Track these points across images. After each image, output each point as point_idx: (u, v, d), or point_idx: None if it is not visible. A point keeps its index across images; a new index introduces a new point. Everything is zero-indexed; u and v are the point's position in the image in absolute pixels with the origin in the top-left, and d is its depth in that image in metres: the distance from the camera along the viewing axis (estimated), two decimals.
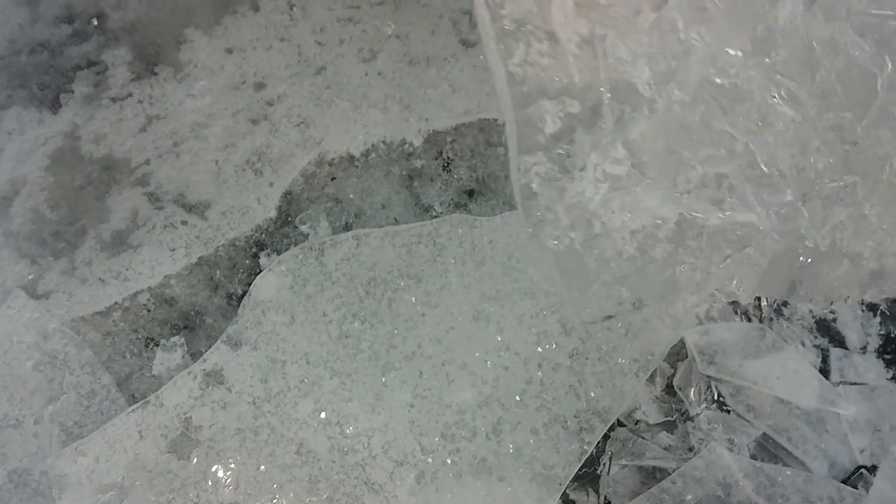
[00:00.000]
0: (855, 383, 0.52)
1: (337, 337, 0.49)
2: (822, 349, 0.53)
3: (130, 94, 0.56)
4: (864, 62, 0.46)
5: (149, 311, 0.49)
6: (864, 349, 0.54)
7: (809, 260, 0.51)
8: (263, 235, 0.53)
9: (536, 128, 0.47)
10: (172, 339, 0.49)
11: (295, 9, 0.59)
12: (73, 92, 0.55)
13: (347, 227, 0.52)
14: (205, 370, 0.47)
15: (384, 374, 0.48)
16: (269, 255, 0.53)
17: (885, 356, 0.53)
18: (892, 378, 0.53)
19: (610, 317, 0.50)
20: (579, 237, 0.49)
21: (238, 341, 0.48)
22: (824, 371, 0.52)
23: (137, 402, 0.47)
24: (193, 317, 0.50)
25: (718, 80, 0.45)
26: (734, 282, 0.50)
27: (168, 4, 0.60)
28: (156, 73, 0.57)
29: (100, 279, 0.50)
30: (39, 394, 0.46)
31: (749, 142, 0.47)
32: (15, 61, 0.56)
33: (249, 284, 0.51)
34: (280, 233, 0.53)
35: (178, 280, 0.51)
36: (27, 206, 0.51)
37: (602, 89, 0.46)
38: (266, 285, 0.50)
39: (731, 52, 0.45)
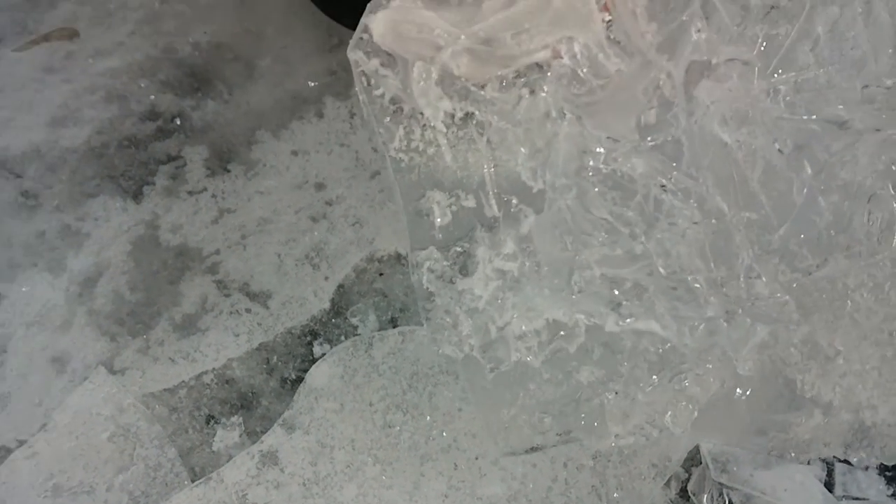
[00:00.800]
0: (857, 498, 0.55)
1: (381, 426, 0.54)
2: (827, 463, 0.56)
3: (205, 189, 0.62)
4: (781, 166, 0.44)
5: (211, 390, 0.54)
6: (866, 466, 0.57)
7: (748, 392, 0.50)
8: (317, 325, 0.58)
9: (427, 221, 0.45)
10: (232, 419, 0.54)
11: (355, 117, 0.65)
12: (154, 184, 0.61)
13: (393, 321, 0.57)
14: (262, 451, 0.52)
15: (422, 463, 0.53)
16: (321, 343, 0.58)
17: (886, 474, 0.57)
18: (892, 495, 0.56)
19: (535, 449, 0.49)
20: (477, 343, 0.47)
21: (292, 425, 0.53)
22: (829, 484, 0.56)
23: (198, 475, 0.51)
24: (250, 398, 0.55)
25: (604, 170, 0.42)
26: (667, 415, 0.49)
27: (242, 107, 0.67)
28: (229, 171, 0.63)
29: (170, 358, 0.55)
30: (112, 463, 0.51)
31: (645, 243, 0.44)
32: (105, 153, 0.62)
33: (303, 371, 0.56)
34: (332, 323, 0.58)
35: (238, 363, 0.56)
36: (109, 288, 0.57)
37: (487, 179, 0.43)
38: (320, 374, 0.55)
39: (614, 140, 0.42)
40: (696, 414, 0.49)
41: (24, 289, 0.58)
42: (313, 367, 0.56)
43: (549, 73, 0.40)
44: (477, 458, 0.53)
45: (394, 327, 0.58)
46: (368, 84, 0.39)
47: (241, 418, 0.55)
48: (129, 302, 0.58)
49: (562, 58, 0.38)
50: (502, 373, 0.48)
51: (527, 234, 0.43)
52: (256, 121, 0.69)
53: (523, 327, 0.46)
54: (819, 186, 0.44)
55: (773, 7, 0.44)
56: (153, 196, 0.63)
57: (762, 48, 0.43)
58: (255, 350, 0.58)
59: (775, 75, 0.43)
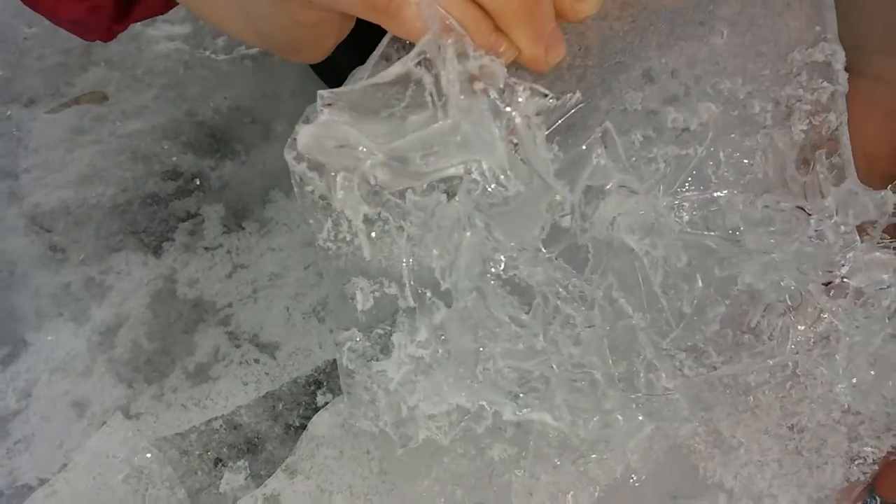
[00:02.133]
0: None
1: (377, 473, 0.57)
2: None
3: (221, 245, 0.67)
4: (677, 278, 0.47)
5: (220, 435, 0.58)
6: None
7: (643, 478, 0.51)
8: (321, 375, 0.62)
9: (351, 304, 0.46)
10: (238, 463, 0.58)
11: None
12: (174, 240, 0.66)
13: None
14: (265, 494, 0.55)
15: None
16: (324, 393, 0.62)
17: None
18: None
19: None
20: (390, 420, 0.49)
21: (294, 470, 0.57)
22: None
23: None
24: (256, 443, 0.58)
25: (503, 276, 0.45)
26: (569, 495, 0.50)
27: (258, 168, 0.72)
28: (243, 228, 0.68)
29: (182, 405, 0.59)
30: (126, 503, 0.54)
31: (544, 339, 0.46)
32: (128, 210, 0.67)
33: (306, 418, 0.60)
34: (336, 374, 0.62)
35: (246, 410, 0.60)
36: (129, 338, 0.61)
37: (405, 272, 0.45)
38: (321, 422, 0.59)
39: (518, 249, 0.44)
40: (597, 495, 0.50)
41: (49, 337, 0.62)
42: (315, 415, 0.60)
43: (461, 184, 0.42)
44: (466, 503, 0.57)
45: None
46: (300, 180, 0.41)
47: (246, 462, 0.58)
48: (146, 351, 0.62)
49: (471, 173, 0.41)
50: (413, 449, 0.50)
51: (439, 324, 0.46)
52: (271, 181, 0.74)
53: (431, 410, 0.48)
54: (710, 298, 0.47)
55: (684, 130, 0.47)
56: (172, 251, 0.68)
57: (668, 169, 0.46)
58: (262, 398, 0.61)
59: (680, 191, 0.46)
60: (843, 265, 0.48)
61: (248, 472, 0.58)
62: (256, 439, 0.60)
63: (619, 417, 0.49)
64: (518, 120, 0.39)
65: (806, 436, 0.52)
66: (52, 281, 0.66)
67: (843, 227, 0.47)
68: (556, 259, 0.46)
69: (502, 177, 0.41)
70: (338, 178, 0.41)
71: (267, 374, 0.62)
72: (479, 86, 0.38)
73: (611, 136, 0.44)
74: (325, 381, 0.62)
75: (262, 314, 0.65)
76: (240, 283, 0.67)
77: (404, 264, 0.45)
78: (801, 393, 0.51)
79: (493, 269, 0.45)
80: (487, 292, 0.46)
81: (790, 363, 0.49)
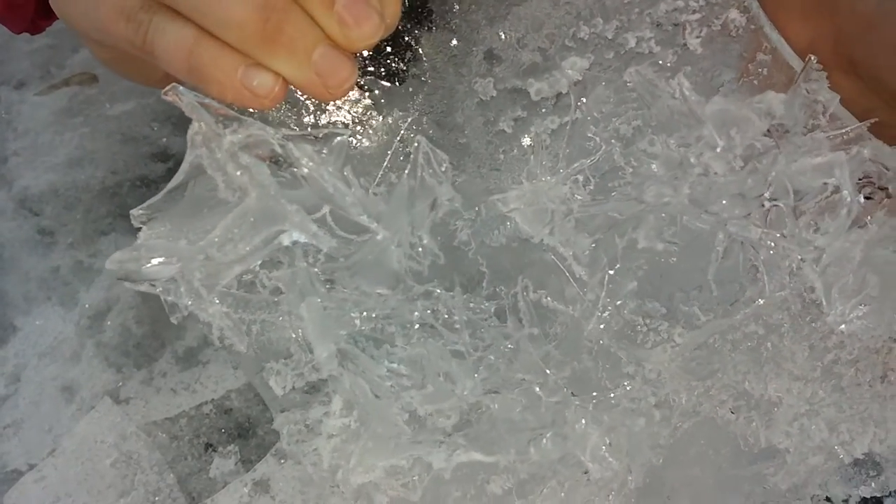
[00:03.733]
0: None
1: None
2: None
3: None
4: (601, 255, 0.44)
5: (210, 419, 0.58)
6: (846, 502, 0.59)
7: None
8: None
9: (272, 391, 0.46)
10: (228, 448, 0.57)
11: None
12: None
13: None
14: (254, 479, 0.55)
15: None
16: None
17: None
18: None
19: None
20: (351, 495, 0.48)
21: (284, 455, 0.56)
22: None
23: (195, 500, 0.55)
24: (247, 428, 0.58)
25: (366, 330, 0.44)
26: None
27: None
28: None
29: (172, 389, 0.59)
30: (114, 488, 0.54)
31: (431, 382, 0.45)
32: (118, 192, 0.66)
33: None
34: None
35: (237, 394, 0.59)
36: (118, 322, 0.61)
37: (295, 348, 0.46)
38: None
39: (380, 294, 0.44)
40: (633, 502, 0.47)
41: (38, 322, 0.62)
42: None
43: (286, 260, 0.42)
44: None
45: None
46: (167, 301, 0.41)
47: (237, 447, 0.58)
48: (135, 335, 0.62)
49: (283, 243, 0.40)
50: None
51: (348, 388, 0.45)
52: None
53: (364, 478, 0.47)
54: (636, 265, 0.45)
55: (558, 96, 0.44)
56: None
57: (546, 147, 0.43)
58: (251, 382, 0.61)
59: (569, 166, 0.43)
60: (768, 186, 0.42)
61: (239, 456, 0.58)
62: (247, 424, 0.59)
63: (576, 427, 0.45)
64: (306, 172, 0.38)
65: (860, 365, 0.47)
66: (40, 265, 0.65)
67: (733, 154, 0.42)
68: (435, 289, 0.44)
69: (314, 235, 0.40)
70: (181, 290, 0.41)
71: None
72: (248, 158, 0.37)
73: (430, 151, 0.42)
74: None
75: None
76: None
77: (294, 338, 0.45)
78: (816, 327, 0.46)
79: (354, 327, 0.44)
80: (355, 355, 0.44)
81: (797, 299, 0.45)
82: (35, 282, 0.64)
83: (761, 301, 0.45)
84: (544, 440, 0.45)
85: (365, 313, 0.44)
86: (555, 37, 0.44)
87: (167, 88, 0.36)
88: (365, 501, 0.47)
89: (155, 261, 0.39)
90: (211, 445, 0.58)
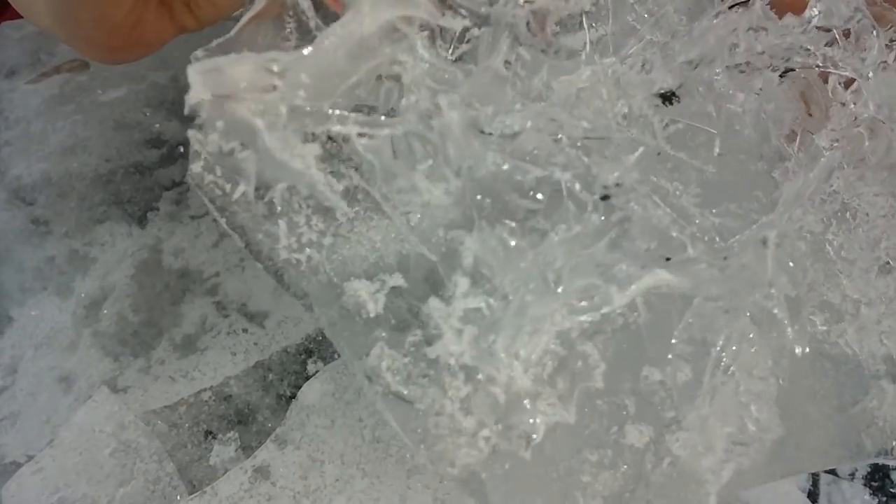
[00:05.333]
0: None
1: (370, 441, 0.56)
2: (813, 474, 0.58)
3: (207, 213, 0.65)
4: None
5: (209, 407, 0.57)
6: (852, 476, 0.58)
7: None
8: (312, 344, 0.61)
9: (360, 320, 0.37)
10: (228, 434, 0.57)
11: None
12: (158, 209, 0.64)
13: None
14: (254, 466, 0.54)
15: (409, 477, 0.55)
16: (315, 361, 0.60)
17: (873, 483, 0.57)
18: None
19: None
20: (494, 423, 0.38)
21: (284, 441, 0.55)
22: (814, 494, 0.57)
23: (196, 488, 0.54)
24: (247, 414, 0.57)
25: (497, 131, 0.37)
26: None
27: None
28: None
29: (170, 377, 0.58)
30: (113, 478, 0.53)
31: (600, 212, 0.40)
32: (112, 180, 0.65)
33: (297, 387, 0.58)
34: (327, 342, 0.61)
35: (236, 381, 0.58)
36: (114, 310, 0.60)
37: (405, 231, 0.37)
38: (311, 391, 0.58)
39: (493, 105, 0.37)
40: (775, 408, 0.43)
41: (33, 312, 0.61)
42: (305, 384, 0.59)
43: (404, 71, 0.35)
44: None
45: None
46: (223, 192, 0.33)
47: (237, 433, 0.57)
48: (132, 323, 0.61)
49: (413, 29, 0.33)
50: (536, 448, 0.38)
51: (472, 263, 0.37)
52: None
53: (532, 356, 0.37)
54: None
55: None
56: (157, 221, 0.66)
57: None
58: (251, 368, 0.60)
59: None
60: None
61: (239, 443, 0.57)
62: (247, 410, 0.58)
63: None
64: None
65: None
66: (35, 255, 0.64)
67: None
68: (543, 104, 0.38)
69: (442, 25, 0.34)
70: (262, 122, 0.33)
71: (256, 343, 0.61)
72: None
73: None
74: (316, 349, 0.61)
75: (250, 283, 0.64)
76: (226, 251, 0.65)
77: (411, 221, 0.37)
78: (872, 208, 0.45)
79: (491, 133, 0.36)
80: (496, 166, 0.37)
81: (832, 185, 0.44)
82: (30, 272, 0.63)
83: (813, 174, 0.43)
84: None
85: (498, 125, 0.36)
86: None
87: None
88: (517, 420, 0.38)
89: (245, 64, 0.32)
90: (211, 433, 0.58)
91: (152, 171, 0.69)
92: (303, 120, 0.34)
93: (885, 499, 0.57)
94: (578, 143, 0.38)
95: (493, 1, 0.38)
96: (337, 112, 0.35)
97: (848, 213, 0.46)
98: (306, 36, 0.35)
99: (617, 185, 0.38)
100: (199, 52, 0.34)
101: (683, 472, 0.40)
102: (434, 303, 0.37)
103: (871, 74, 0.44)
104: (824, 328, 0.47)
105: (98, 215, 0.67)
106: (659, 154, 0.41)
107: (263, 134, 0.34)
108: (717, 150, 0.43)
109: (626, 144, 0.40)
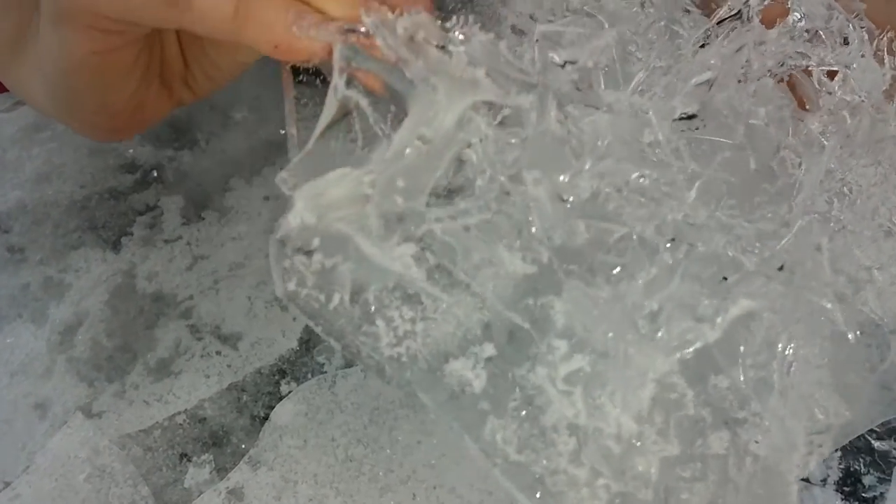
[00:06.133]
0: None
1: (343, 460, 0.57)
2: None
3: (181, 237, 0.66)
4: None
5: (184, 429, 0.58)
6: (824, 482, 0.59)
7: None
8: (285, 364, 0.62)
9: (466, 397, 0.38)
10: (203, 457, 0.57)
11: None
12: (132, 234, 0.65)
13: None
14: (228, 487, 0.55)
15: (382, 495, 0.56)
16: (288, 382, 0.61)
17: (845, 489, 0.58)
18: None
19: None
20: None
21: (258, 462, 0.56)
22: None
23: None
24: (221, 436, 0.58)
25: (580, 195, 0.39)
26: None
27: (217, 156, 0.71)
28: (203, 218, 0.67)
29: (144, 401, 0.59)
30: (89, 503, 0.54)
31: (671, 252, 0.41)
32: (87, 206, 0.66)
33: (271, 408, 0.59)
34: (300, 362, 0.61)
35: (210, 403, 0.59)
36: (88, 336, 0.60)
37: (489, 301, 0.39)
38: (284, 412, 0.58)
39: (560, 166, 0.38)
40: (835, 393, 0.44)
41: (8, 339, 0.62)
42: (278, 405, 0.59)
43: (478, 148, 0.36)
44: (435, 488, 0.56)
45: (358, 364, 0.61)
46: (319, 304, 0.35)
47: (211, 456, 0.58)
48: (106, 348, 0.62)
49: (479, 111, 0.35)
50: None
51: (564, 322, 0.37)
52: (231, 169, 0.73)
53: (640, 406, 0.38)
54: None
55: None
56: (131, 246, 0.67)
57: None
58: (225, 390, 0.61)
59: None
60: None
61: (214, 465, 0.58)
62: (221, 432, 0.59)
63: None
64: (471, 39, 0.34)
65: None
66: (10, 282, 0.65)
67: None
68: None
69: (509, 96, 0.35)
70: (357, 237, 0.35)
71: (229, 365, 0.62)
72: (417, 45, 0.34)
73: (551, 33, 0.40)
74: (289, 370, 0.62)
75: (224, 305, 0.64)
76: (200, 274, 0.66)
77: (489, 289, 0.38)
78: (874, 172, 0.47)
79: (571, 199, 0.38)
80: (584, 228, 0.38)
81: (832, 166, 0.46)
82: (5, 299, 0.64)
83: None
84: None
85: (573, 179, 0.38)
86: (555, 10, 0.45)
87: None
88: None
89: (345, 184, 0.34)
90: (185, 455, 0.58)
91: (126, 196, 0.70)
92: (399, 224, 0.36)
93: (856, 503, 0.57)
94: (639, 189, 0.39)
95: (540, 69, 0.39)
96: (433, 211, 0.36)
97: (845, 188, 0.48)
98: (370, 135, 0.36)
99: (689, 224, 0.40)
100: (284, 174, 0.36)
101: (768, 469, 0.41)
102: (539, 370, 0.38)
103: (854, 65, 0.47)
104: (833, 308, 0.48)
105: (73, 241, 0.67)
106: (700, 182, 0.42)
107: (361, 245, 0.35)
108: (752, 165, 0.44)
109: (675, 177, 0.41)
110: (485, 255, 0.38)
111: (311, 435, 0.58)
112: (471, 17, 0.35)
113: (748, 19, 0.45)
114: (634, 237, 0.39)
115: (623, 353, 0.38)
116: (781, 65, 0.46)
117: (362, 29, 0.35)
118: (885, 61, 0.48)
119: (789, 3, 0.46)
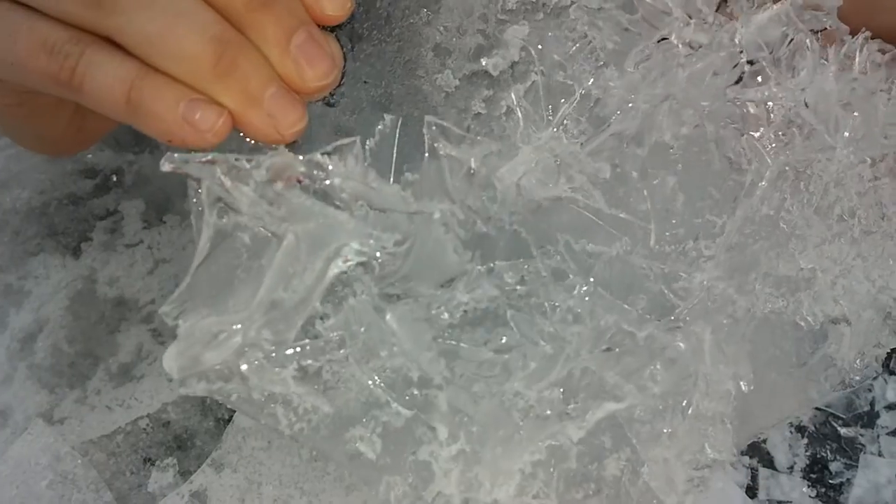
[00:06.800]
0: (780, 502, 0.58)
1: (307, 460, 0.57)
2: (751, 469, 0.59)
3: (142, 241, 0.65)
4: (617, 185, 0.45)
5: (147, 434, 0.57)
6: (791, 469, 0.59)
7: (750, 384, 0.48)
8: None
9: (362, 459, 0.42)
10: (167, 461, 0.57)
11: None
12: (92, 239, 0.65)
13: None
14: (191, 490, 0.55)
15: (347, 494, 0.55)
16: None
17: (811, 476, 0.59)
18: (816, 497, 0.58)
19: None
20: None
21: (221, 464, 0.56)
22: (752, 489, 0.58)
23: None
24: (185, 439, 0.58)
25: (453, 320, 0.43)
26: (706, 448, 0.49)
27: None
28: (164, 222, 0.66)
29: (107, 406, 0.58)
30: None
31: (546, 341, 0.45)
32: (46, 212, 0.66)
33: (234, 410, 0.59)
34: None
35: (173, 406, 0.59)
36: (49, 342, 0.60)
37: (377, 394, 0.43)
38: None
39: (441, 287, 0.42)
40: (729, 426, 0.47)
41: None
42: None
43: (352, 277, 0.39)
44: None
45: None
46: (219, 398, 0.39)
47: (175, 459, 0.58)
48: (67, 354, 0.61)
49: (348, 261, 0.38)
50: None
51: (447, 409, 0.41)
52: None
53: (504, 491, 0.42)
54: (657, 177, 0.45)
55: (513, 64, 0.45)
56: (91, 251, 0.67)
57: (525, 108, 0.44)
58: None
59: (553, 117, 0.44)
60: (740, 53, 0.45)
61: (177, 469, 0.57)
62: (185, 435, 0.59)
63: (680, 345, 0.44)
64: (340, 183, 0.37)
65: (860, 213, 0.49)
66: None
67: (706, 23, 0.45)
68: (492, 266, 0.43)
69: (372, 241, 0.38)
70: (242, 368, 0.38)
71: None
72: (279, 185, 0.36)
73: (439, 125, 0.41)
74: None
75: None
76: (162, 278, 0.65)
77: (371, 385, 0.42)
78: (820, 180, 0.47)
79: (441, 322, 0.42)
80: (453, 351, 0.42)
81: (786, 168, 0.47)
82: None
83: (764, 182, 0.46)
84: (657, 373, 0.45)
85: (445, 307, 0.41)
86: (487, 16, 0.46)
87: (164, 159, 0.36)
88: None
89: (210, 342, 0.38)
90: (149, 460, 0.58)
91: (86, 202, 0.69)
92: (271, 362, 0.39)
93: (823, 489, 0.58)
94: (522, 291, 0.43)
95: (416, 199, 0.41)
96: (297, 348, 0.39)
97: (801, 184, 0.49)
98: (257, 243, 0.38)
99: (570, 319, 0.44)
100: (166, 308, 0.39)
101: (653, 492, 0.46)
102: (423, 450, 0.43)
103: (805, 97, 0.47)
104: (783, 302, 0.50)
105: (32, 248, 0.67)
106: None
107: (243, 375, 0.39)
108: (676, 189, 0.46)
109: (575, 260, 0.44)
110: (360, 375, 0.42)
111: (275, 436, 0.58)
112: (335, 157, 0.37)
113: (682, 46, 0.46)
114: (516, 330, 0.43)
115: (499, 438, 0.42)
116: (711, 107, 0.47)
117: (228, 184, 0.37)
118: (856, 65, 0.48)
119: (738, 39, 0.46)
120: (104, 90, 0.33)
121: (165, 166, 0.36)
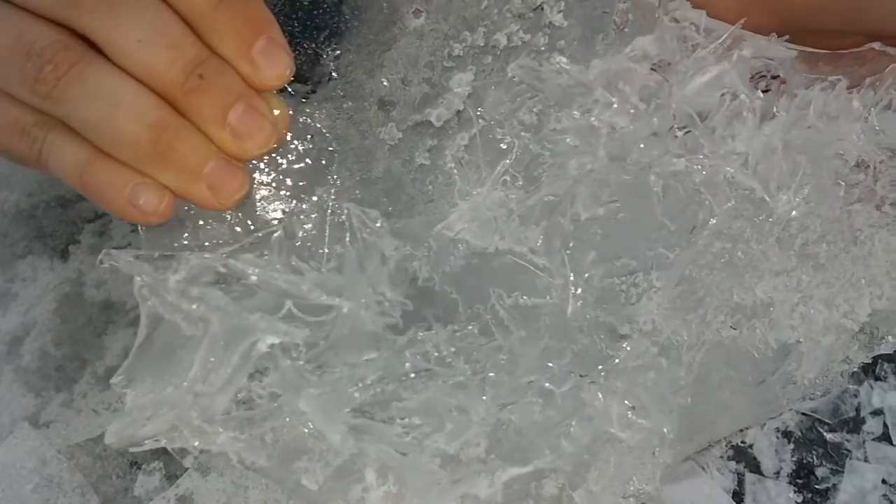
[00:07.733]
0: None
1: None
2: (738, 474, 0.59)
3: (130, 243, 0.66)
4: (555, 239, 0.46)
5: None
6: (777, 474, 0.59)
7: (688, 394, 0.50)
8: None
9: (305, 489, 0.45)
10: (153, 464, 0.57)
11: None
12: (80, 242, 0.65)
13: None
14: (178, 494, 0.55)
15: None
16: None
17: (797, 481, 0.59)
18: (803, 502, 0.58)
19: None
20: None
21: (207, 468, 0.56)
22: (739, 494, 0.58)
23: None
24: None
25: (372, 398, 0.46)
26: (632, 483, 0.50)
27: None
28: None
29: (93, 410, 0.58)
30: None
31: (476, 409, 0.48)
32: (34, 214, 0.66)
33: None
34: None
35: None
36: (36, 345, 0.60)
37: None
38: None
39: (369, 359, 0.45)
40: (660, 460, 0.48)
41: None
42: None
43: (271, 364, 0.44)
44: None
45: None
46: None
47: (161, 463, 0.58)
48: (54, 357, 0.61)
49: (264, 347, 0.43)
50: None
51: (374, 457, 0.46)
52: None
53: None
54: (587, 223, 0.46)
55: (458, 112, 0.45)
56: (79, 254, 0.67)
57: (462, 163, 0.46)
58: None
59: (490, 169, 0.46)
60: (674, 118, 0.45)
61: (164, 472, 0.57)
62: None
63: (599, 395, 0.46)
64: (255, 279, 0.40)
65: (829, 237, 0.49)
66: None
67: (629, 104, 0.44)
68: (416, 333, 0.45)
69: (286, 333, 0.42)
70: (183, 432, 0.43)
71: None
72: (197, 289, 0.40)
73: (354, 212, 0.43)
74: None
75: None
76: None
77: (307, 432, 0.45)
78: (774, 220, 0.48)
79: (356, 400, 0.45)
80: (363, 426, 0.45)
81: (747, 203, 0.47)
82: None
83: (714, 220, 0.46)
84: (572, 429, 0.46)
85: (361, 383, 0.44)
86: (433, 64, 0.46)
87: (101, 257, 0.40)
88: None
89: (149, 418, 0.42)
90: (135, 463, 0.58)
91: (74, 204, 0.69)
92: (205, 430, 0.43)
93: (809, 495, 0.58)
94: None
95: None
96: (221, 432, 0.43)
97: (758, 218, 0.48)
98: (190, 341, 0.42)
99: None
100: (116, 379, 0.44)
101: None
102: (355, 492, 0.46)
103: (744, 160, 0.46)
104: (735, 331, 0.50)
105: (19, 251, 0.67)
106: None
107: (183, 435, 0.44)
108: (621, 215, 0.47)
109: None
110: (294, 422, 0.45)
111: None
112: (256, 250, 0.41)
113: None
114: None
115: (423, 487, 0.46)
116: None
117: (152, 282, 0.41)
118: (811, 111, 0.47)
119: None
120: (63, 171, 0.36)
121: (104, 261, 0.40)
